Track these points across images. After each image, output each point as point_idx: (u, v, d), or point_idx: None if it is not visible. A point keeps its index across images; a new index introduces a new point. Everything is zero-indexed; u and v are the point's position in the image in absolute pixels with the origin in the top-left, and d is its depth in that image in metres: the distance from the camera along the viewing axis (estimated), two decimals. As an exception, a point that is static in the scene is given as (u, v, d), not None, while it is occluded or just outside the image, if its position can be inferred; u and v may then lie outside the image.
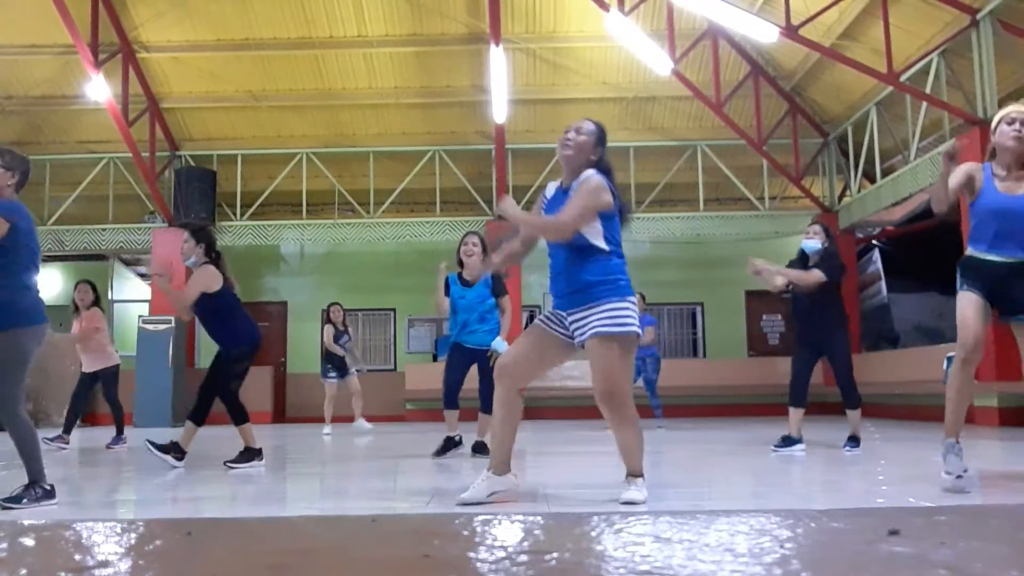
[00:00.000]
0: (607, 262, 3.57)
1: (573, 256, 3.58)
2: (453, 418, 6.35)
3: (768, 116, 12.93)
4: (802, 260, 6.33)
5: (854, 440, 6.14)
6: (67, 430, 7.94)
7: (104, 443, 8.00)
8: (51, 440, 7.77)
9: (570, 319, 3.62)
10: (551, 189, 3.84)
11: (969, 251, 4.00)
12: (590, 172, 3.62)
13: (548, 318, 3.71)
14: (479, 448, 6.14)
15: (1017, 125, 3.91)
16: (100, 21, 11.86)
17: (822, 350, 6.21)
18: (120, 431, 8.04)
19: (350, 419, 10.23)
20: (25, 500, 3.62)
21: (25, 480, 3.71)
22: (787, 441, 6.12)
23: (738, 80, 12.58)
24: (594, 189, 3.54)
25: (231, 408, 5.61)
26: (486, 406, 5.92)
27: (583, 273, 3.55)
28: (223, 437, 8.66)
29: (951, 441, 3.81)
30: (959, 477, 3.68)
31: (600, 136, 3.71)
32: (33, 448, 3.73)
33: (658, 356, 10.44)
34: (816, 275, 6.06)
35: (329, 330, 10.10)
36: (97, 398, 9.28)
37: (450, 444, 6.28)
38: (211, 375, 5.63)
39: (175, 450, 5.60)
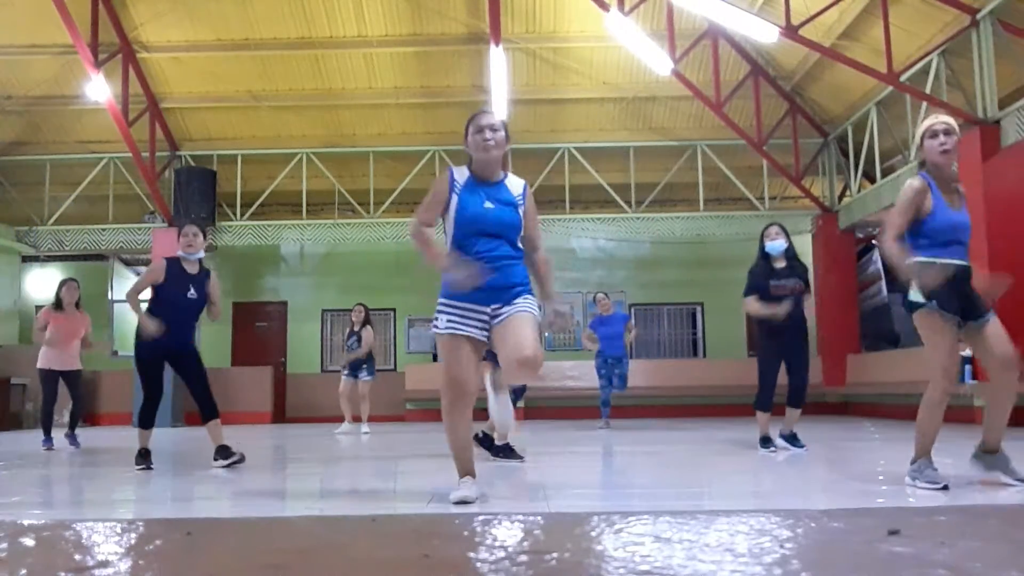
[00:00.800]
0: (524, 265, 3.77)
1: (509, 256, 3.68)
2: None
3: (768, 116, 12.93)
4: (765, 261, 6.33)
5: (796, 438, 6.20)
6: (48, 432, 7.92)
7: (95, 443, 8.02)
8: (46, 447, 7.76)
9: (494, 312, 3.64)
10: (462, 178, 3.80)
11: (922, 257, 3.81)
12: (522, 181, 3.85)
13: (465, 320, 3.66)
14: (501, 450, 6.17)
15: (942, 137, 3.81)
16: (100, 21, 11.86)
17: (789, 352, 6.22)
18: (74, 428, 8.05)
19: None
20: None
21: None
22: (767, 442, 6.20)
23: (738, 80, 12.58)
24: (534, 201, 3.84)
25: (212, 402, 5.70)
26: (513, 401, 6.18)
27: (516, 272, 3.68)
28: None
29: (926, 460, 3.88)
30: (945, 487, 3.72)
31: (506, 131, 3.84)
32: None
33: (620, 356, 10.11)
34: (810, 299, 6.26)
35: (347, 328, 10.29)
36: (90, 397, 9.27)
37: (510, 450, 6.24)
38: (202, 374, 5.70)
39: (148, 454, 5.64)
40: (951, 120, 3.90)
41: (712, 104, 12.14)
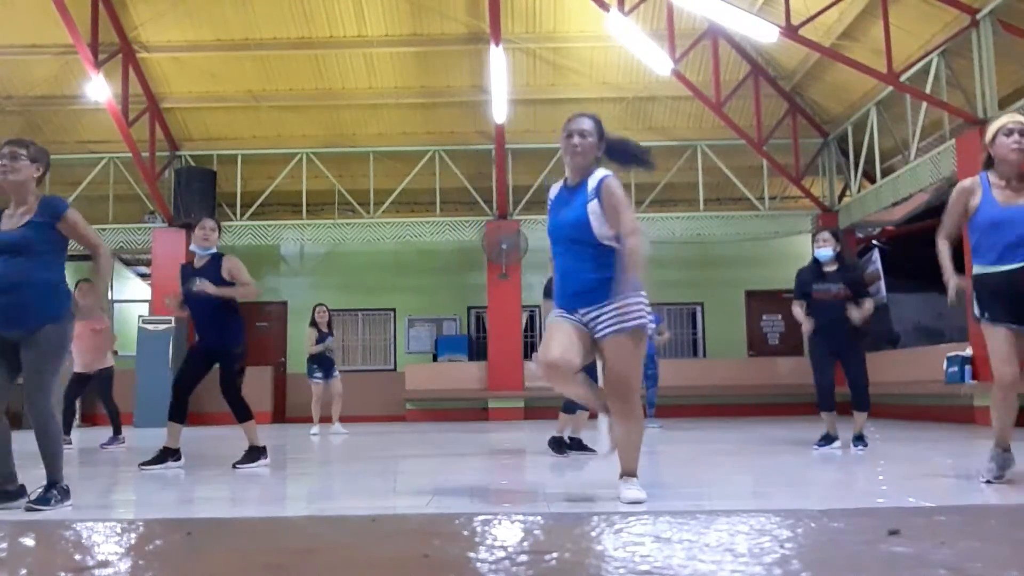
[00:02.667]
0: (610, 259, 3.59)
1: (587, 256, 3.60)
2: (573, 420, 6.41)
3: (768, 116, 12.92)
4: (816, 267, 6.41)
5: (861, 439, 6.29)
6: (66, 431, 7.96)
7: (95, 443, 8.02)
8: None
9: (585, 318, 3.63)
10: (555, 191, 3.86)
11: (976, 269, 3.99)
12: (605, 175, 3.67)
13: (565, 315, 3.68)
14: (557, 444, 6.22)
15: (1016, 136, 3.87)
16: (100, 21, 11.85)
17: (839, 354, 6.30)
18: (117, 431, 8.05)
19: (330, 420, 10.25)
20: (52, 502, 3.59)
21: (17, 478, 3.72)
22: (828, 439, 6.34)
23: (738, 80, 12.58)
24: (622, 193, 3.64)
25: (238, 406, 5.61)
26: (568, 406, 6.13)
27: (592, 272, 3.58)
28: (222, 437, 8.67)
29: (997, 451, 4.00)
30: (988, 482, 3.90)
31: (600, 131, 3.76)
32: (59, 447, 3.74)
33: (651, 354, 10.33)
34: (869, 307, 6.26)
35: (312, 333, 10.13)
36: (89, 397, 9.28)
37: (578, 444, 6.29)
38: (190, 373, 5.61)
39: (170, 455, 5.62)
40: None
41: (712, 104, 12.14)
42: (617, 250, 3.57)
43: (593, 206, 3.59)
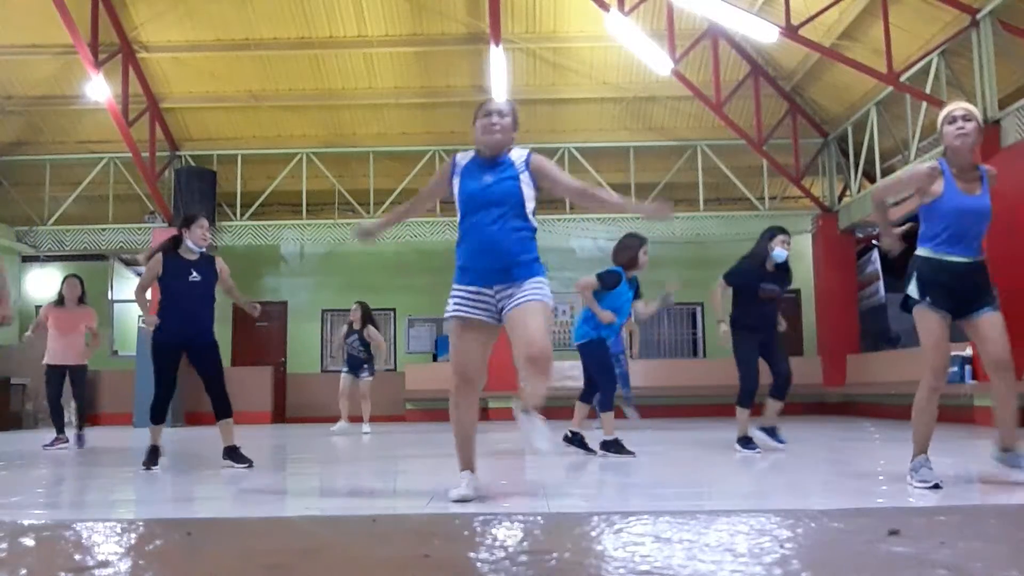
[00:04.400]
0: (533, 238, 3.73)
1: (509, 232, 3.64)
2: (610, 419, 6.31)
3: (768, 116, 12.93)
4: (763, 266, 6.29)
5: (776, 432, 6.24)
6: (58, 430, 7.96)
7: (95, 443, 8.02)
8: (48, 445, 7.77)
9: (498, 296, 3.64)
10: (464, 158, 3.86)
11: (926, 252, 3.95)
12: (526, 150, 3.84)
13: (472, 304, 3.66)
14: (609, 446, 6.12)
15: (960, 122, 3.85)
16: (100, 21, 11.86)
17: (765, 349, 6.25)
18: (81, 427, 8.04)
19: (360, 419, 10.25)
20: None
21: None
22: (748, 441, 6.15)
23: (738, 80, 12.58)
24: (548, 160, 3.85)
25: (226, 400, 5.64)
26: (605, 403, 6.15)
27: (517, 246, 3.64)
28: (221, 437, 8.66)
29: (924, 457, 3.89)
30: (935, 487, 3.73)
31: (516, 115, 3.87)
32: None
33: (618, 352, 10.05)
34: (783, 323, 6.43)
35: (344, 327, 10.31)
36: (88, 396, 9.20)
37: (620, 447, 6.15)
38: (218, 368, 5.64)
39: (158, 452, 5.64)
40: (970, 106, 3.94)
41: (712, 104, 12.14)
42: (534, 227, 3.73)
43: (525, 177, 3.73)
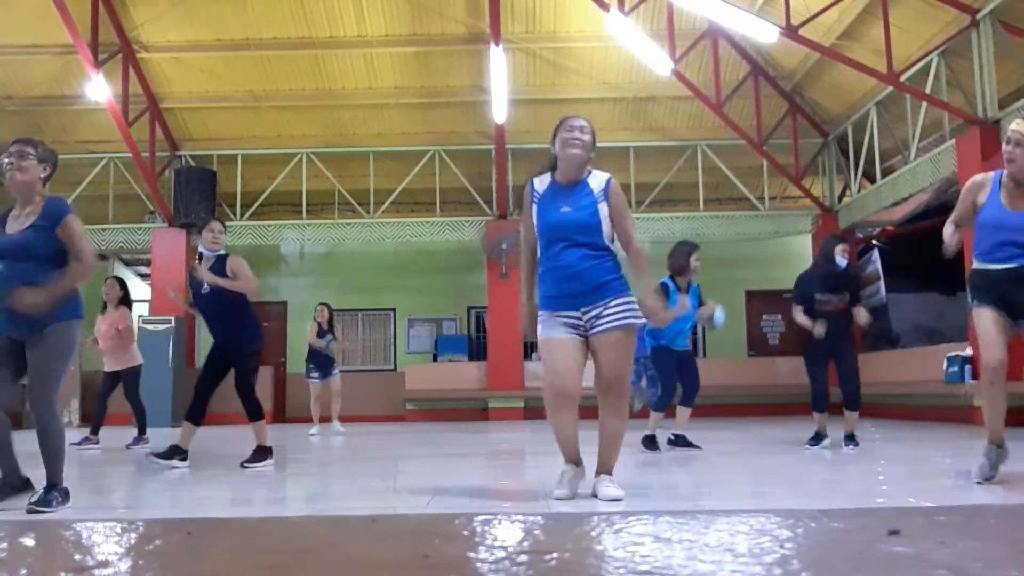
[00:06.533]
0: (614, 261, 3.73)
1: (592, 255, 3.65)
2: (659, 419, 6.59)
3: (768, 116, 12.92)
4: (822, 274, 6.44)
5: (852, 438, 6.33)
6: (95, 431, 7.99)
7: (115, 443, 8.02)
8: (78, 444, 7.79)
9: (585, 316, 3.67)
10: (541, 184, 3.87)
11: (975, 263, 4.04)
12: (606, 176, 3.77)
13: (564, 323, 3.70)
14: (681, 440, 6.47)
15: (1011, 146, 3.89)
16: (100, 21, 11.86)
17: (833, 356, 6.39)
18: (142, 431, 8.05)
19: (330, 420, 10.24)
20: (53, 503, 3.54)
21: (22, 473, 3.71)
22: (818, 438, 6.42)
23: (738, 80, 12.58)
24: (623, 195, 3.75)
25: (251, 404, 5.62)
26: (688, 400, 6.52)
27: (599, 272, 3.65)
28: (226, 437, 8.67)
29: (991, 446, 3.95)
30: (978, 483, 3.84)
31: (595, 137, 3.85)
32: (61, 448, 3.67)
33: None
34: (863, 316, 6.42)
35: (313, 327, 10.22)
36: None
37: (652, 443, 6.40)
38: (206, 375, 5.61)
39: (177, 453, 5.61)
40: (1021, 127, 3.92)
41: (712, 104, 12.14)
42: (613, 251, 3.71)
43: (603, 207, 3.69)
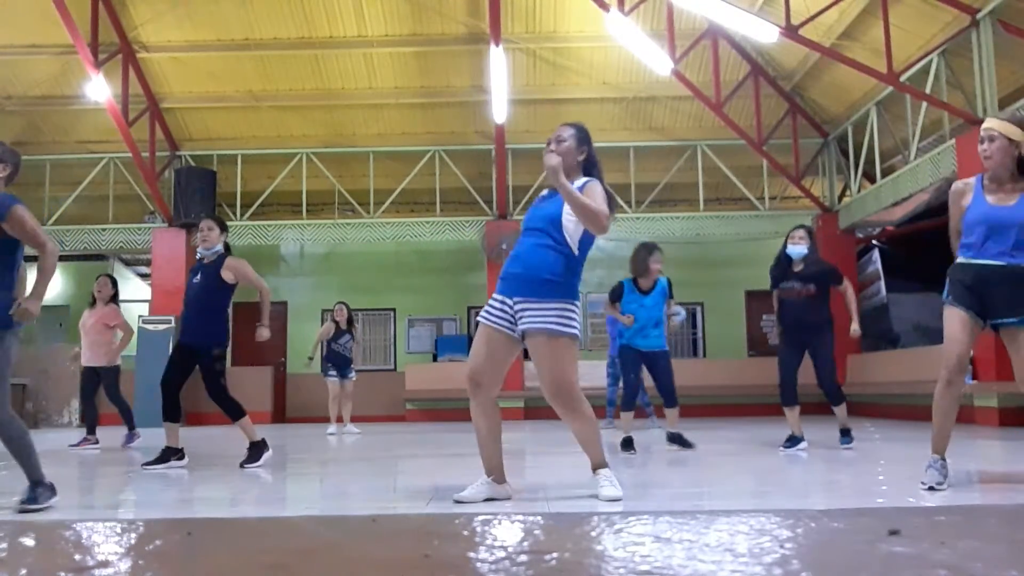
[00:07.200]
0: (568, 264, 3.66)
1: (544, 247, 3.64)
2: (629, 419, 6.54)
3: (768, 116, 12.92)
4: (785, 264, 6.39)
5: (846, 434, 6.29)
6: (91, 430, 7.98)
7: (115, 443, 8.01)
8: (77, 444, 7.78)
9: (517, 306, 3.64)
10: (545, 191, 3.93)
11: (959, 258, 4.01)
12: (590, 180, 3.71)
13: (491, 311, 3.70)
14: (676, 438, 6.50)
15: (986, 144, 3.87)
16: (100, 21, 11.85)
17: (807, 349, 6.31)
18: (131, 426, 8.05)
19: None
20: (40, 499, 3.55)
21: (22, 481, 3.70)
22: (792, 441, 6.27)
23: (738, 80, 12.58)
24: (602, 196, 3.63)
25: (228, 405, 5.59)
26: (669, 401, 6.43)
27: (546, 267, 3.61)
28: (222, 437, 8.67)
29: (936, 457, 3.88)
30: (931, 489, 3.72)
31: (581, 136, 3.81)
32: (26, 446, 3.65)
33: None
34: (850, 293, 6.53)
35: (328, 327, 10.17)
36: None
37: (629, 444, 6.35)
38: (175, 371, 5.57)
39: (173, 454, 5.61)
40: (993, 124, 3.89)
41: (712, 104, 12.14)
42: (572, 252, 3.64)
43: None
